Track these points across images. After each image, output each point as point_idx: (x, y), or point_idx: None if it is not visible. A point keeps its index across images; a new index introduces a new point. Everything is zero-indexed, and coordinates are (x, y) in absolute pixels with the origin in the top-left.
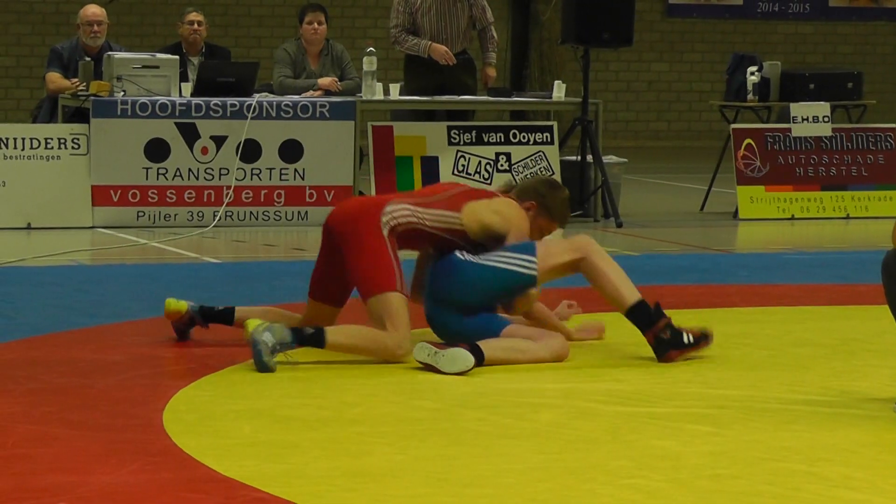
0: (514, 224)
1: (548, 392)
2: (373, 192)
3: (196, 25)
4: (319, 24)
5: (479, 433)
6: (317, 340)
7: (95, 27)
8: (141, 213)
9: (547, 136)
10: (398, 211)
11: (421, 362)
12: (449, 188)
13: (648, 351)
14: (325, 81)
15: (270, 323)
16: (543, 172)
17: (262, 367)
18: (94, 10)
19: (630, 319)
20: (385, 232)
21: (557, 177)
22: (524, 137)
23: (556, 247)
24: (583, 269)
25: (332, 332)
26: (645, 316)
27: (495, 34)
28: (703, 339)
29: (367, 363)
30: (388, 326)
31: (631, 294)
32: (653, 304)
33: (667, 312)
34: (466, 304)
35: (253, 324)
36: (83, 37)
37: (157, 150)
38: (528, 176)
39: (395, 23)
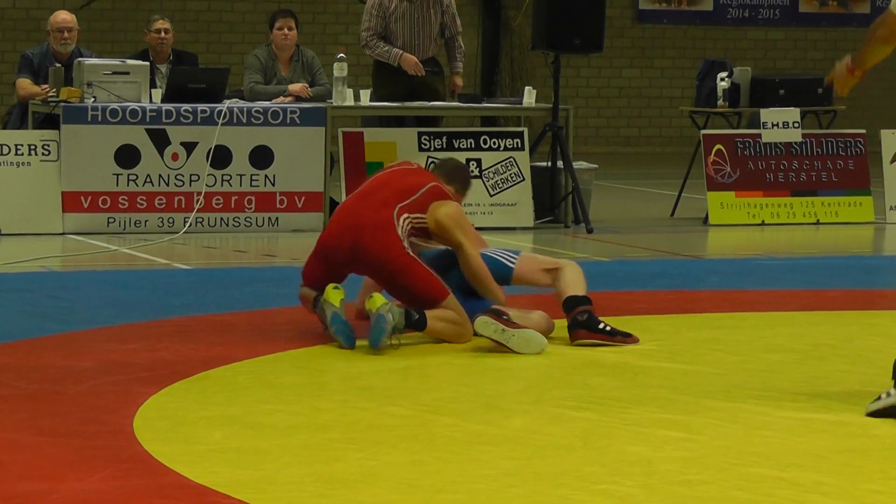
0: (469, 233)
1: (519, 398)
2: (343, 199)
3: (163, 33)
4: (290, 29)
5: (451, 439)
6: (420, 325)
7: (66, 34)
8: (111, 220)
9: (517, 142)
10: (405, 227)
11: (488, 337)
12: (400, 175)
13: (620, 357)
14: (295, 87)
15: (391, 304)
16: (514, 178)
17: (377, 345)
18: (64, 17)
19: (562, 309)
20: (410, 250)
21: (528, 183)
22: (495, 143)
23: (544, 257)
24: (554, 276)
25: (432, 318)
26: (571, 302)
27: (462, 43)
28: (624, 335)
29: (337, 368)
30: (461, 320)
31: (575, 291)
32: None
33: (633, 318)
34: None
35: (380, 300)
36: (53, 43)
37: (127, 157)
38: (498, 182)
39: (366, 26)
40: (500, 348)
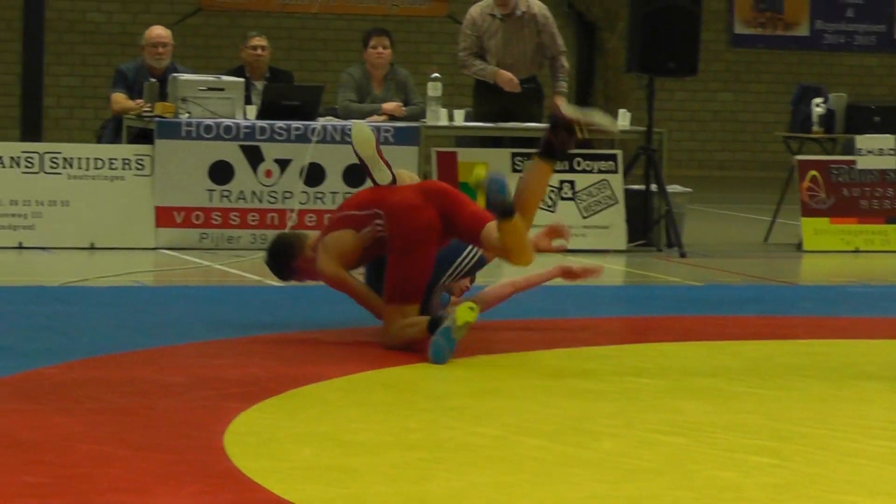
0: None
1: (608, 420)
2: None
3: (259, 50)
4: (384, 48)
5: (539, 461)
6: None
7: (160, 49)
8: (204, 235)
9: (611, 165)
10: None
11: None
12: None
13: (711, 382)
14: (389, 106)
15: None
16: (607, 201)
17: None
18: (158, 32)
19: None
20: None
21: (622, 205)
22: (588, 165)
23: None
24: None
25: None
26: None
27: (566, 63)
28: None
29: (427, 387)
30: None
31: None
32: None
33: (725, 343)
34: None
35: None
36: (148, 58)
37: (221, 173)
38: (591, 204)
39: (463, 46)
40: (581, 372)
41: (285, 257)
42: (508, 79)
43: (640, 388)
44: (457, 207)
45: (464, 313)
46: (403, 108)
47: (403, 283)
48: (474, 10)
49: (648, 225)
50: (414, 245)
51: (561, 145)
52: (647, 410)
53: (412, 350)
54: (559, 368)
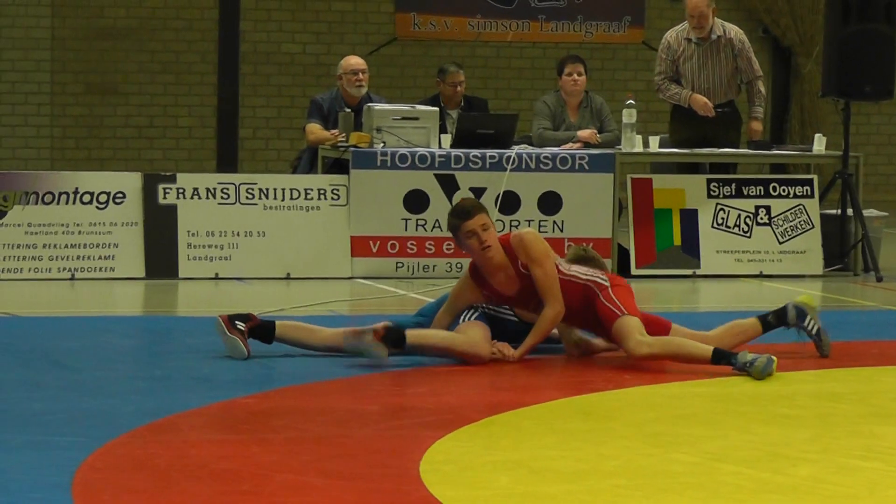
0: None
1: (805, 446)
2: (631, 245)
3: (459, 87)
4: (579, 75)
5: (737, 487)
6: None
7: (360, 75)
8: (400, 265)
9: (807, 190)
10: None
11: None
12: None
13: None
14: (584, 134)
15: None
16: (803, 226)
17: None
18: (356, 60)
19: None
20: None
21: (818, 230)
22: (784, 191)
23: None
24: None
25: None
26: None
27: (762, 88)
28: None
29: (623, 414)
30: None
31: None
32: None
33: None
34: None
35: None
36: (347, 86)
37: (416, 201)
38: (787, 229)
39: (658, 70)
40: (779, 397)
41: (475, 203)
42: (703, 103)
43: (838, 413)
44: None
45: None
46: (598, 136)
47: (631, 303)
48: (670, 35)
49: (845, 249)
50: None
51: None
52: (844, 436)
53: (620, 368)
54: (756, 394)
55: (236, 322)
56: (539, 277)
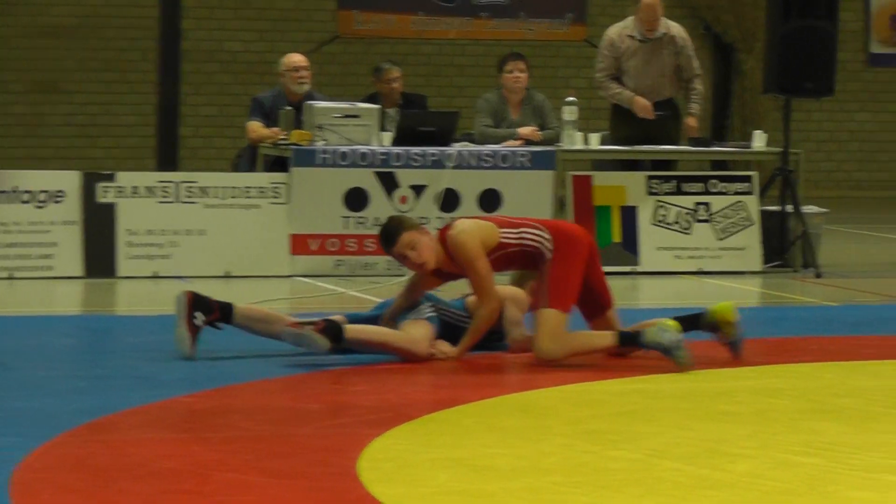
0: None
1: (744, 442)
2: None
3: (394, 83)
4: (521, 72)
5: (676, 483)
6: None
7: (302, 72)
8: (339, 262)
9: (747, 186)
10: None
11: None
12: None
13: (847, 402)
14: (525, 131)
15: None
16: (743, 222)
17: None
18: (299, 56)
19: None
20: None
21: (757, 227)
22: (724, 187)
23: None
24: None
25: None
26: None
27: (700, 86)
28: None
29: (561, 411)
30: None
31: None
32: None
33: (865, 364)
34: None
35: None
36: (290, 83)
37: (356, 199)
38: (727, 226)
39: (600, 67)
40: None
41: (396, 225)
42: (643, 105)
43: (777, 409)
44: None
45: (673, 323)
46: (539, 133)
47: (566, 287)
48: (612, 32)
49: (785, 246)
50: (574, 256)
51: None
52: (783, 432)
53: (562, 366)
54: (695, 390)
55: (196, 314)
56: (472, 280)
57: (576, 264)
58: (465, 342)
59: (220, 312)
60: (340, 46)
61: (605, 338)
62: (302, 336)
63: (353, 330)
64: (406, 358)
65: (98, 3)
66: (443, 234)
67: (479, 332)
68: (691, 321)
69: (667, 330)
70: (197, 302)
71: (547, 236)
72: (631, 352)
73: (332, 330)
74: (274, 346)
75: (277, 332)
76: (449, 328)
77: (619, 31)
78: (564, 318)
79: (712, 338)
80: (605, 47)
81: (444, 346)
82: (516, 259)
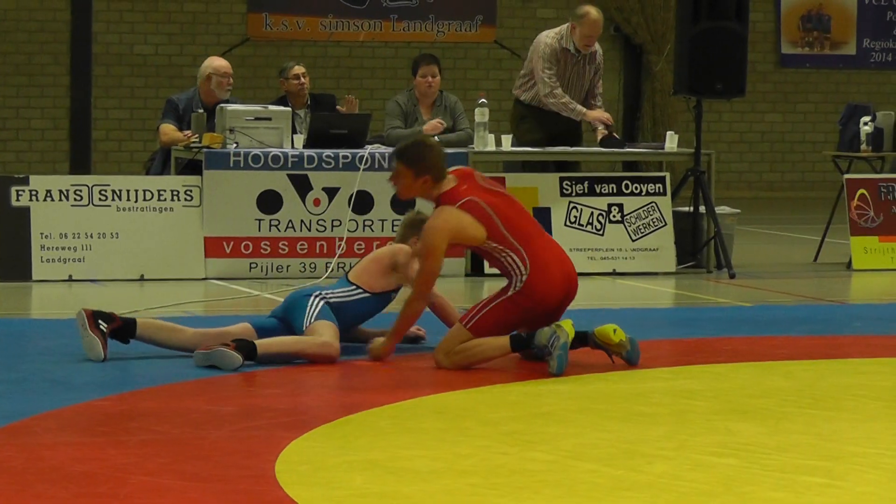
0: None
1: (661, 443)
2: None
3: (301, 78)
4: (433, 76)
5: (593, 485)
6: None
7: (231, 79)
8: (253, 265)
9: (659, 187)
10: None
11: None
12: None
13: (762, 402)
14: (429, 126)
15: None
16: (656, 223)
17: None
18: (225, 62)
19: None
20: None
21: (670, 227)
22: (636, 188)
23: None
24: None
25: None
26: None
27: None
28: None
29: (478, 413)
30: None
31: None
32: None
33: (776, 364)
34: None
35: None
36: (215, 87)
37: (269, 202)
38: (640, 227)
39: (550, 73)
40: (634, 395)
41: (416, 154)
42: (605, 117)
43: (693, 410)
44: None
45: (570, 328)
46: (442, 123)
47: (493, 324)
48: (551, 40)
49: (697, 246)
50: (524, 311)
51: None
52: (699, 433)
53: (472, 369)
54: (611, 392)
55: (99, 321)
56: (418, 272)
57: (519, 316)
58: (388, 343)
59: (121, 322)
60: (250, 49)
61: (500, 346)
62: (211, 354)
63: (265, 345)
64: (322, 361)
65: (8, 7)
66: (443, 197)
67: (401, 332)
68: (580, 338)
69: (555, 333)
70: (97, 314)
71: (522, 276)
72: (529, 354)
73: (244, 347)
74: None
75: (189, 343)
76: (337, 310)
77: (556, 40)
78: (469, 337)
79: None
80: (551, 55)
81: (376, 345)
82: (487, 259)
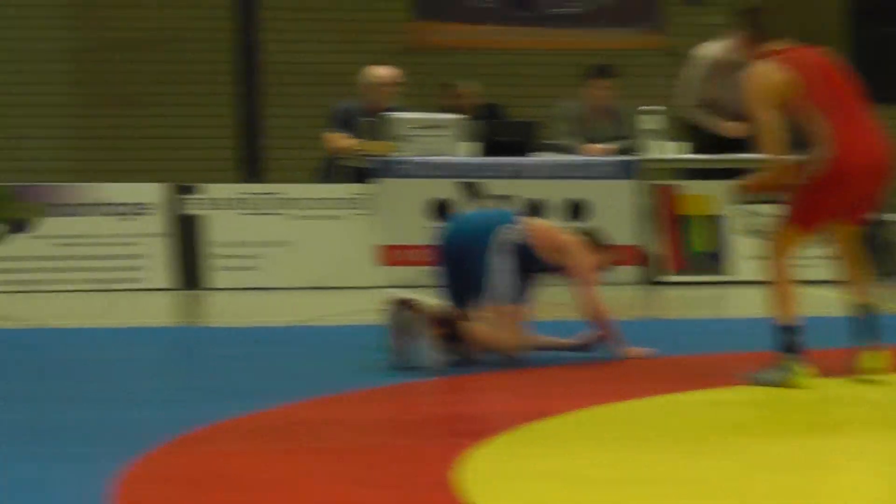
0: None
1: (837, 456)
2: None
3: (461, 99)
4: (606, 89)
5: (766, 495)
6: None
7: (397, 87)
8: (425, 273)
9: None
10: None
11: None
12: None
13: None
14: (596, 148)
15: None
16: None
17: None
18: (390, 70)
19: None
20: None
21: None
22: None
23: None
24: None
25: None
26: None
27: None
28: None
29: (662, 423)
30: None
31: None
32: None
33: None
34: None
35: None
36: (379, 96)
37: (439, 210)
38: None
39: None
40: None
41: None
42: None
43: None
44: None
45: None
46: (619, 144)
47: (815, 210)
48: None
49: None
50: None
51: None
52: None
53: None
54: (802, 403)
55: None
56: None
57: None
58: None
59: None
60: (415, 58)
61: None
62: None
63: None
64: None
65: (174, 16)
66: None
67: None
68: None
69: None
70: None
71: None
72: None
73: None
74: (363, 355)
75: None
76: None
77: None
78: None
79: None
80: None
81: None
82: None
